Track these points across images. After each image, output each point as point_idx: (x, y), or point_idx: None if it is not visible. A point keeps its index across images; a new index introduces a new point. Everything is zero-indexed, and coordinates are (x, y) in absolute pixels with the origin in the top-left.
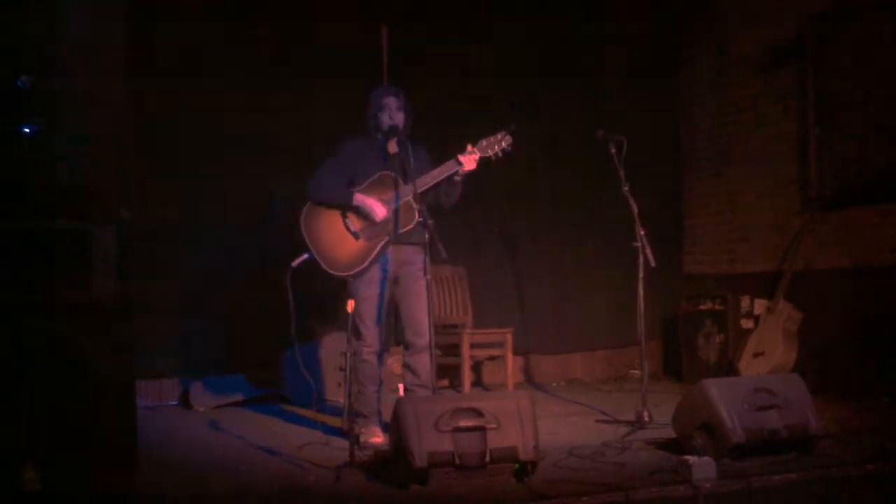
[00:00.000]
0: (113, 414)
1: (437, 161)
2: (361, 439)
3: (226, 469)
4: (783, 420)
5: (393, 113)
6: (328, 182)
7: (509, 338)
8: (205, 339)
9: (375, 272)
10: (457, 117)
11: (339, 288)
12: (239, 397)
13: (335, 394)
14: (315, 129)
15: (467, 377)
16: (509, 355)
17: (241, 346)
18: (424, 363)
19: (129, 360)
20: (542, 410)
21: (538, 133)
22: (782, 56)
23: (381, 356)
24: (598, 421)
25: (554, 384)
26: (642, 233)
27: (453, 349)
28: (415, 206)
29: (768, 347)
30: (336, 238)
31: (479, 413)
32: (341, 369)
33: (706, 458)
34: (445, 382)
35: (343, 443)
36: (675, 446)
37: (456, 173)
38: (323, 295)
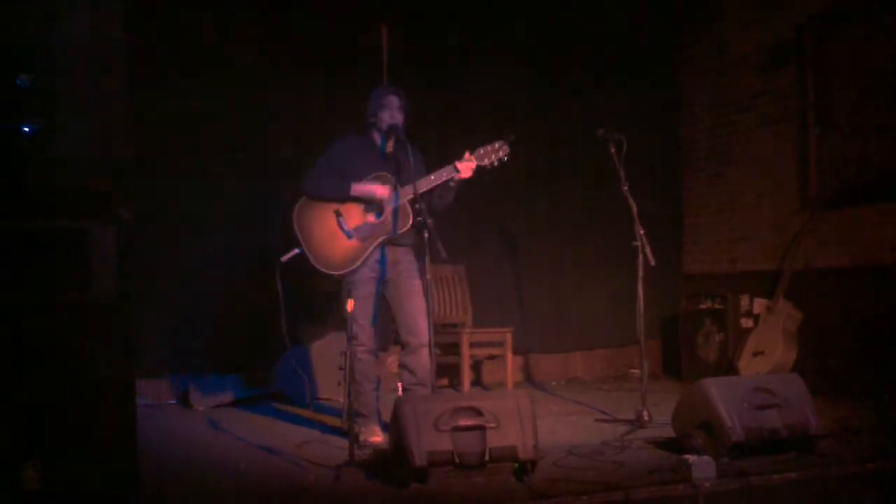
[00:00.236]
0: (113, 414)
1: (431, 162)
2: (361, 438)
3: (226, 468)
4: (783, 419)
5: (394, 112)
6: (325, 177)
7: (509, 337)
8: (204, 338)
9: (367, 272)
10: (456, 118)
11: (335, 287)
12: (238, 396)
13: (328, 392)
14: (315, 129)
15: (467, 376)
16: (509, 354)
17: (240, 345)
18: (421, 362)
19: (129, 360)
20: (542, 409)
21: (538, 132)
22: (782, 56)
23: (376, 355)
24: (597, 420)
25: (553, 383)
26: (642, 232)
27: (453, 348)
28: (409, 208)
29: (768, 347)
30: (328, 236)
31: (478, 412)
32: (341, 368)
33: (706, 458)
34: (445, 381)
35: (342, 442)
36: (674, 445)
37: (452, 179)
38: (319, 294)
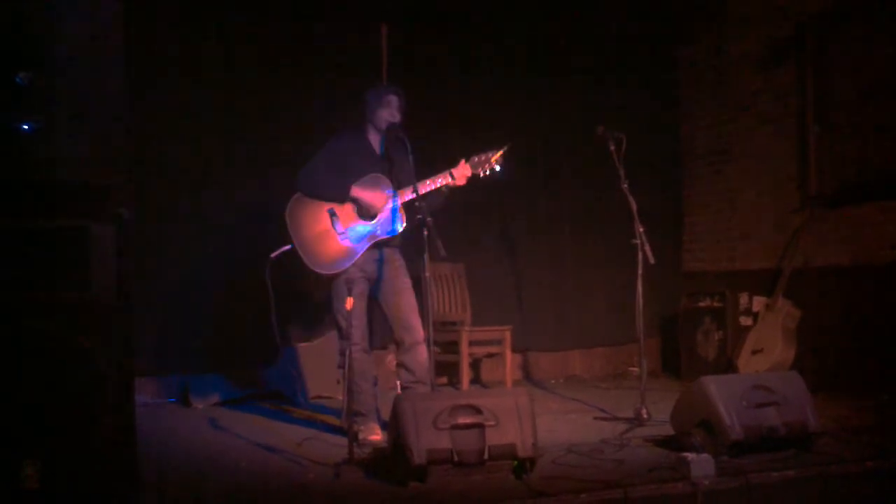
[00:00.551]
0: (112, 413)
1: (431, 162)
2: (360, 437)
3: (225, 467)
4: (782, 417)
5: (394, 111)
6: (322, 175)
7: (508, 335)
8: (204, 337)
9: (357, 271)
10: (456, 118)
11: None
12: (237, 395)
13: (327, 390)
14: (314, 128)
15: (466, 374)
16: (508, 352)
17: (240, 344)
18: (418, 360)
19: (128, 359)
20: (541, 408)
21: (538, 130)
22: (782, 54)
23: (369, 353)
24: (596, 418)
25: (553, 381)
26: (641, 230)
27: (452, 346)
28: (403, 211)
29: (767, 345)
30: (320, 234)
31: (477, 410)
32: (340, 367)
33: (705, 456)
34: (444, 380)
35: (342, 440)
36: (673, 443)
37: (446, 185)
38: (314, 292)
